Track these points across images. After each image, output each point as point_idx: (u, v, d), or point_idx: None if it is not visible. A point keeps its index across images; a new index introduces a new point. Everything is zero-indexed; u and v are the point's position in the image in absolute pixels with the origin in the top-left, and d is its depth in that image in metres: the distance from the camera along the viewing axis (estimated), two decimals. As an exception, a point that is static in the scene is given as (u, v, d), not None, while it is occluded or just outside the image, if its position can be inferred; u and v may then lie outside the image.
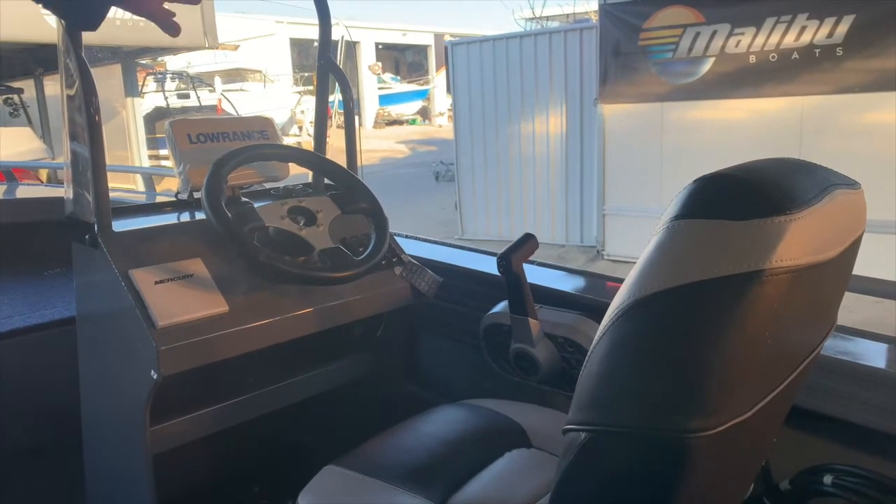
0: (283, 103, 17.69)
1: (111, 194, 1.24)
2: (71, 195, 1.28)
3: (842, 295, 0.81)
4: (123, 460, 1.31)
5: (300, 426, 1.60)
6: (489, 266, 1.49)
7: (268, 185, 1.59)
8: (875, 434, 1.03)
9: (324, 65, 1.59)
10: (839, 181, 0.68)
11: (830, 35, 5.01)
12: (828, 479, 1.00)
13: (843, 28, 4.95)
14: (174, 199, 1.47)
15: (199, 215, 1.31)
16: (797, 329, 0.67)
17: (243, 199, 1.40)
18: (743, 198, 0.59)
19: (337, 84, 1.64)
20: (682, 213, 0.59)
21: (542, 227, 7.33)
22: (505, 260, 1.22)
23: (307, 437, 1.59)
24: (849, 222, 0.68)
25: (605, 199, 6.57)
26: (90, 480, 1.43)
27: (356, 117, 1.65)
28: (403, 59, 28.50)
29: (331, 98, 1.68)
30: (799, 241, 0.57)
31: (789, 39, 5.17)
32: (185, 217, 1.42)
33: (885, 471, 0.98)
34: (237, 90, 17.30)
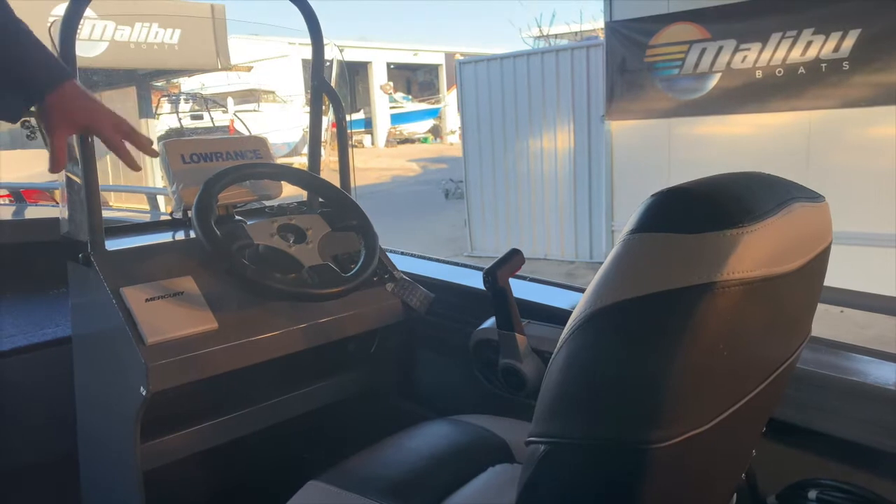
0: (295, 123, 17.86)
1: (119, 214, 1.26)
2: (66, 215, 1.31)
3: (813, 307, 0.81)
4: (116, 477, 1.32)
5: (294, 442, 1.61)
6: (480, 281, 1.50)
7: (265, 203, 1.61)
8: (861, 448, 1.03)
9: (317, 85, 1.61)
10: (800, 194, 0.69)
11: (836, 49, 5.00)
12: (813, 493, 0.99)
13: (849, 42, 4.94)
14: (168, 217, 1.49)
15: (192, 234, 1.34)
16: (759, 341, 0.67)
17: (236, 217, 1.43)
18: (696, 211, 0.60)
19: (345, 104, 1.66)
20: (637, 227, 0.60)
21: (552, 244, 7.34)
22: (490, 275, 1.22)
23: (301, 454, 1.60)
24: (810, 235, 0.69)
25: (614, 215, 6.57)
26: (85, 497, 1.44)
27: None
28: (415, 79, 28.72)
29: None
30: (751, 254, 0.58)
31: (795, 54, 5.17)
32: (178, 235, 1.45)
33: (871, 485, 0.97)
34: (251, 111, 17.48)
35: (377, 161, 17.79)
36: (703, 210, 0.60)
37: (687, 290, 0.57)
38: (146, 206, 5.14)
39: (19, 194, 4.21)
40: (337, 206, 1.46)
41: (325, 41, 1.62)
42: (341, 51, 1.84)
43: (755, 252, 0.58)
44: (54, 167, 1.09)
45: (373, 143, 22.89)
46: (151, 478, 1.25)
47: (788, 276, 0.64)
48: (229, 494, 1.59)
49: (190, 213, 1.30)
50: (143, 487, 1.23)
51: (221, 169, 1.34)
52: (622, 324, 0.60)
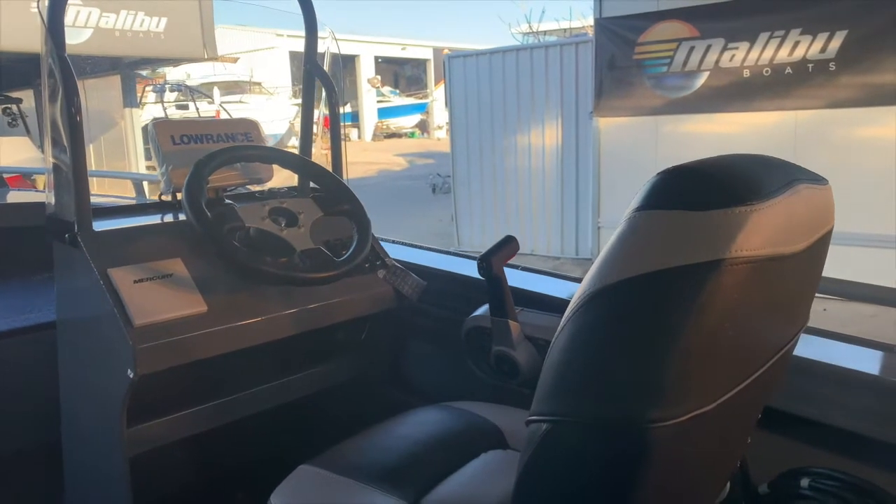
0: (282, 115, 17.74)
1: (101, 199, 1.24)
2: (53, 196, 1.28)
3: (812, 293, 0.80)
4: (101, 462, 1.30)
5: (283, 429, 1.59)
6: (472, 270, 1.49)
7: (253, 188, 1.59)
8: (853, 437, 1.03)
9: (310, 69, 1.60)
10: (804, 176, 0.68)
11: (823, 50, 5.04)
12: (805, 482, 1.00)
13: (835, 43, 4.98)
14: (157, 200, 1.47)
15: (181, 216, 1.31)
16: (761, 324, 0.67)
17: (226, 200, 1.41)
18: (704, 189, 0.59)
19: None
20: (644, 205, 0.60)
21: (538, 240, 7.34)
22: (485, 261, 1.22)
23: (290, 441, 1.58)
24: (813, 217, 0.68)
25: (601, 212, 6.59)
26: (69, 483, 1.42)
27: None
28: (403, 73, 28.62)
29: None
30: (759, 232, 0.58)
31: (783, 54, 5.21)
32: (167, 218, 1.42)
33: (862, 473, 0.98)
34: (237, 102, 17.33)
35: (364, 155, 17.71)
36: (710, 187, 0.59)
37: (694, 268, 0.56)
38: (131, 194, 5.08)
39: (2, 179, 4.14)
40: (329, 191, 1.44)
41: (325, 33, 1.60)
42: (335, 39, 1.82)
43: (763, 230, 0.57)
44: None
45: (359, 137, 22.80)
46: (138, 463, 1.23)
47: (793, 258, 0.63)
48: (217, 480, 1.57)
49: (179, 195, 1.28)
50: (128, 473, 1.21)
51: (212, 150, 1.31)
52: (627, 302, 0.59)
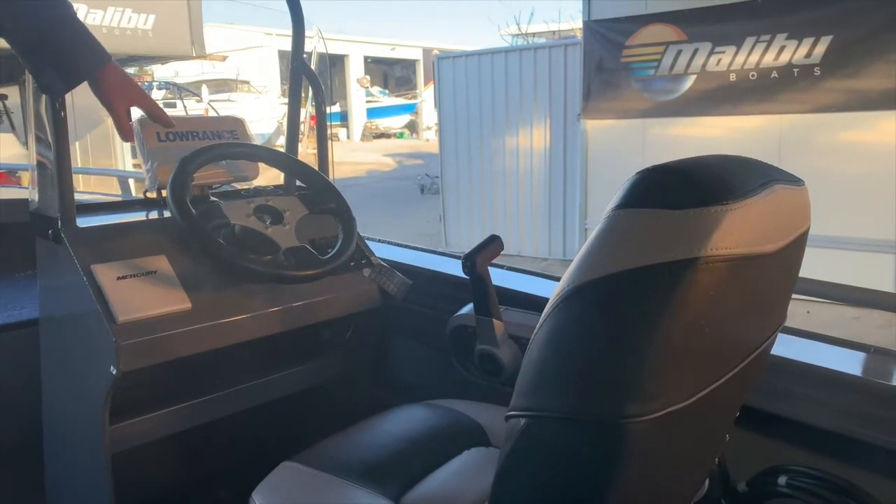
0: (270, 114, 17.67)
1: (89, 198, 1.24)
2: (37, 192, 1.28)
3: (789, 293, 0.82)
4: (83, 460, 1.29)
5: (267, 427, 1.59)
6: (457, 269, 1.49)
7: (239, 186, 1.59)
8: (830, 435, 1.05)
9: (297, 67, 1.60)
10: (781, 177, 0.70)
11: (809, 55, 5.09)
12: (783, 479, 1.01)
13: (820, 48, 5.03)
14: (142, 197, 1.46)
15: (166, 213, 1.31)
16: (738, 322, 0.68)
17: (212, 197, 1.40)
18: (681, 188, 0.60)
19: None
20: (622, 203, 0.61)
21: (525, 241, 7.36)
22: (469, 260, 1.22)
23: (273, 439, 1.58)
24: (790, 217, 0.69)
25: (588, 214, 6.61)
26: (50, 482, 1.41)
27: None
28: (392, 73, 28.59)
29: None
30: (735, 231, 0.59)
31: (769, 59, 5.25)
32: (152, 214, 1.42)
33: (840, 471, 0.99)
34: (225, 100, 17.25)
35: (352, 155, 17.67)
36: (687, 187, 0.60)
37: (670, 265, 0.57)
38: (116, 192, 5.03)
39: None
40: (315, 189, 1.45)
41: (312, 33, 1.60)
42: (323, 39, 1.82)
43: (738, 229, 0.59)
44: (126, 136, 1.22)
45: (348, 137, 22.75)
46: (120, 461, 1.22)
47: (769, 258, 0.64)
48: (200, 478, 1.57)
49: (164, 192, 1.28)
50: (110, 471, 1.21)
51: (198, 147, 1.31)
52: (605, 298, 0.60)
